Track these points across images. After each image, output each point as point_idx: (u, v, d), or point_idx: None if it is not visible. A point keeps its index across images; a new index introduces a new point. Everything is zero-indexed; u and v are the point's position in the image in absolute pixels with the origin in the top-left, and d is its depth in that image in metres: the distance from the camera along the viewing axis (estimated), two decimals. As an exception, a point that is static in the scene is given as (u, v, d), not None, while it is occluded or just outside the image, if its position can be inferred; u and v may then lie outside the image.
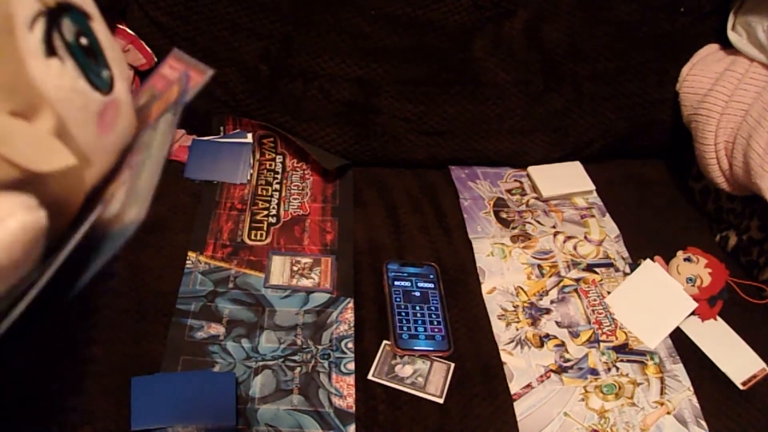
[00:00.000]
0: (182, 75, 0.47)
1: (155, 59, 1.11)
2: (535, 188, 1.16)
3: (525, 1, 1.10)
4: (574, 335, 0.93)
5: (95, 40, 0.42)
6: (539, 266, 1.02)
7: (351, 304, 0.93)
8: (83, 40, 0.41)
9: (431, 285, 0.97)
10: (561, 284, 1.00)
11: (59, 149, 0.38)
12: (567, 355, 0.90)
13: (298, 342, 0.88)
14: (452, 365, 0.87)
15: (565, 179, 1.17)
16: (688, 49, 1.16)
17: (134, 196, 0.40)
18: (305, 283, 0.96)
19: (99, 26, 0.43)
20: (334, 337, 0.89)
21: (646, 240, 1.07)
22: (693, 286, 0.97)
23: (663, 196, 1.19)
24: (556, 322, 0.94)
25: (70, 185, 0.40)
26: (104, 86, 0.42)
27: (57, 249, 0.38)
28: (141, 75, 1.12)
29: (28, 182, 0.36)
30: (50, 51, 0.38)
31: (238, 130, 1.17)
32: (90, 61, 0.41)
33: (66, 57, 0.39)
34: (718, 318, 0.97)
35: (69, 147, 0.38)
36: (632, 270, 1.01)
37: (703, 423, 0.84)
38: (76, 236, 0.38)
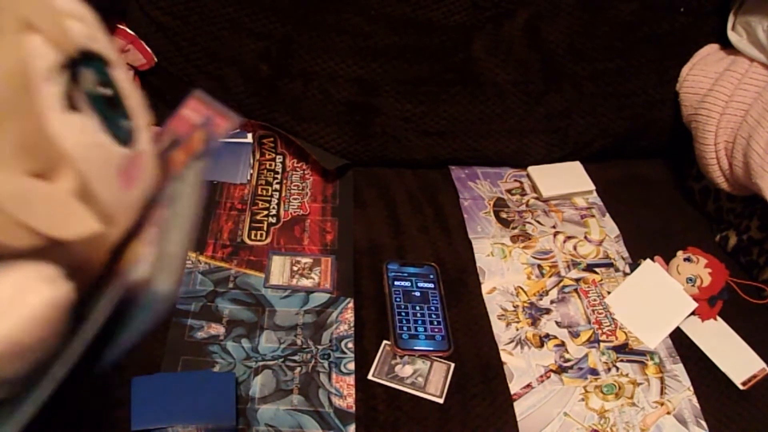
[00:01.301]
0: (206, 120, 0.44)
1: (155, 59, 1.11)
2: (535, 188, 1.16)
3: (525, 1, 1.10)
4: (574, 335, 0.93)
5: (116, 89, 0.40)
6: (539, 266, 1.02)
7: (351, 304, 0.93)
8: (104, 91, 0.38)
9: (431, 285, 0.97)
10: (561, 284, 1.00)
11: (82, 214, 0.35)
12: (567, 355, 0.90)
13: (298, 342, 0.88)
14: (452, 365, 0.87)
15: (565, 179, 1.17)
16: (688, 49, 1.16)
17: (164, 261, 0.38)
18: (305, 283, 0.96)
19: (119, 74, 0.41)
20: (334, 337, 0.89)
21: (646, 240, 1.07)
22: (693, 286, 0.97)
23: (663, 196, 1.19)
24: (556, 322, 0.94)
25: (94, 246, 0.38)
26: (126, 138, 0.39)
27: (82, 319, 0.36)
28: (141, 75, 1.12)
29: (49, 248, 0.34)
30: (70, 105, 0.35)
31: (238, 130, 1.17)
32: (111, 112, 0.39)
33: (86, 109, 0.37)
34: (718, 318, 0.97)
35: (92, 207, 0.36)
36: (632, 270, 1.01)
37: (703, 423, 0.84)
38: (104, 309, 0.36)
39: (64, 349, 0.34)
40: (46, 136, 0.34)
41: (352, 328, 0.90)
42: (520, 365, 0.89)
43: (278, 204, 1.08)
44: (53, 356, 0.35)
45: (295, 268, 0.98)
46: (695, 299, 0.96)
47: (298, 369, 0.85)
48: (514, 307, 0.96)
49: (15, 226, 0.33)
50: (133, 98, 0.41)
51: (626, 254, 1.05)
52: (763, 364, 0.91)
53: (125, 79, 0.41)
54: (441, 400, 0.84)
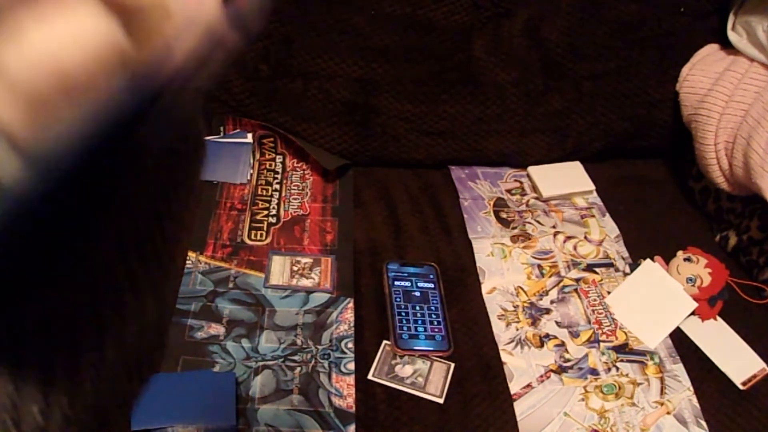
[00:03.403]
0: None
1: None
2: (535, 188, 1.16)
3: (525, 1, 1.10)
4: (574, 335, 0.93)
5: None
6: (539, 266, 1.02)
7: (351, 304, 0.93)
8: None
9: (431, 285, 0.97)
10: (561, 284, 1.00)
11: None
12: (567, 355, 0.90)
13: (298, 342, 0.88)
14: (452, 365, 0.87)
15: (565, 179, 1.17)
16: (688, 49, 1.16)
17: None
18: (305, 283, 0.96)
19: None
20: (334, 337, 0.89)
21: (646, 240, 1.07)
22: (693, 286, 0.97)
23: (663, 196, 1.19)
24: (556, 322, 0.94)
25: (144, 32, 0.32)
26: None
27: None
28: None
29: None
30: None
31: (238, 130, 1.17)
32: None
33: None
34: (718, 318, 0.97)
35: None
36: (632, 270, 1.01)
37: (703, 423, 0.84)
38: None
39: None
40: None
41: (352, 328, 0.90)
42: (520, 365, 0.89)
43: (278, 204, 1.08)
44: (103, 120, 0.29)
45: (295, 268, 0.98)
46: (695, 299, 0.96)
47: (298, 369, 0.85)
48: (514, 307, 0.96)
49: None
50: None
51: (626, 254, 1.05)
52: (763, 364, 0.91)
53: None
54: (441, 400, 0.84)
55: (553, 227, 1.09)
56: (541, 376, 0.87)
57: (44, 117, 0.28)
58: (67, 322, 0.34)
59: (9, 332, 0.31)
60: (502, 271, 1.01)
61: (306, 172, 1.15)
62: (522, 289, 0.99)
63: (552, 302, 0.97)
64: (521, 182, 1.17)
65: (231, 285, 0.95)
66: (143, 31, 0.32)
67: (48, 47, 0.27)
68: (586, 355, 0.90)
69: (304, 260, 0.99)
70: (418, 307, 0.93)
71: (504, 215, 1.10)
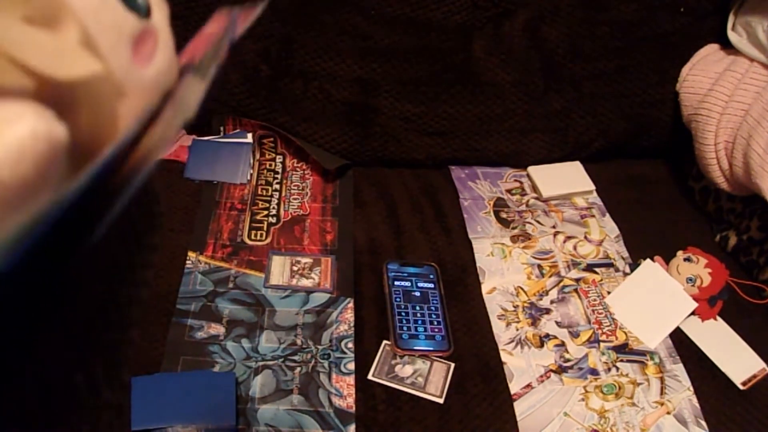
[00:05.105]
0: (231, 17, 0.42)
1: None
2: (535, 188, 1.16)
3: (525, 1, 1.10)
4: (574, 335, 0.93)
5: None
6: (539, 266, 1.02)
7: (351, 304, 0.93)
8: None
9: (431, 285, 0.97)
10: (561, 284, 1.00)
11: (83, 56, 0.31)
12: (567, 355, 0.90)
13: (298, 342, 0.88)
14: (452, 365, 0.87)
15: (565, 179, 1.17)
16: (688, 49, 1.16)
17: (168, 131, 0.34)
18: (305, 283, 0.96)
19: None
20: (334, 337, 0.89)
21: (646, 240, 1.07)
22: (693, 286, 0.97)
23: (663, 196, 1.19)
24: (556, 322, 0.94)
25: (101, 116, 0.34)
26: (140, 10, 0.36)
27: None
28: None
29: (48, 103, 0.30)
30: None
31: (238, 130, 1.17)
32: None
33: None
34: (718, 318, 0.97)
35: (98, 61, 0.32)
36: (632, 270, 1.01)
37: (703, 423, 0.84)
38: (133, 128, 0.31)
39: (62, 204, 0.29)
40: None
41: (352, 328, 0.90)
42: (520, 365, 0.89)
43: (278, 204, 1.08)
44: (45, 216, 0.28)
45: (295, 268, 0.98)
46: (695, 299, 0.96)
47: (298, 369, 0.85)
48: (514, 307, 0.96)
49: (6, 63, 0.29)
50: None
51: (626, 254, 1.05)
52: (763, 364, 0.91)
53: None
54: (441, 400, 0.84)
55: (553, 227, 1.09)
56: (541, 376, 0.87)
57: None
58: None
59: None
60: (502, 271, 1.01)
61: (306, 172, 1.15)
62: (522, 289, 0.99)
63: (552, 302, 0.97)
64: (521, 182, 1.17)
65: (231, 285, 0.95)
66: (90, 111, 0.32)
67: None
68: (586, 355, 0.90)
69: (304, 260, 0.99)
70: (418, 307, 0.93)
71: (504, 215, 1.10)
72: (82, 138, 0.32)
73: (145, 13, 0.36)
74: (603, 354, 0.91)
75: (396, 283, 0.96)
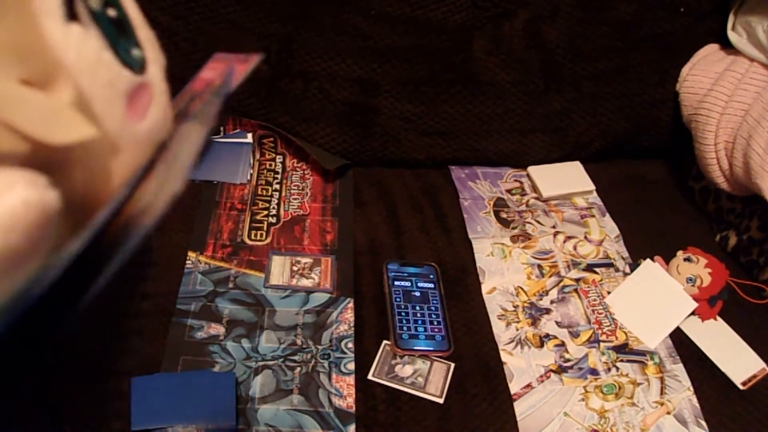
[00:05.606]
0: (227, 67, 0.42)
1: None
2: (535, 188, 1.16)
3: (525, 1, 1.10)
4: (574, 335, 0.93)
5: (125, 14, 0.36)
6: (539, 266, 1.02)
7: (351, 304, 0.93)
8: (111, 12, 0.35)
9: (431, 285, 0.97)
10: (561, 284, 1.00)
11: (77, 120, 0.31)
12: (567, 355, 0.90)
13: (298, 342, 0.88)
14: (452, 365, 0.87)
15: (565, 179, 1.17)
16: (688, 49, 1.16)
17: (163, 191, 0.34)
18: (305, 283, 0.96)
19: (129, 2, 0.37)
20: (334, 337, 0.89)
21: (646, 240, 1.07)
22: (693, 286, 0.97)
23: (663, 196, 1.19)
24: (556, 322, 0.94)
25: (95, 174, 0.34)
26: (135, 65, 0.36)
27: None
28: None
29: (42, 164, 0.30)
30: (71, 15, 0.32)
31: (238, 130, 1.17)
32: (119, 36, 0.35)
33: (90, 25, 0.33)
34: (718, 318, 0.97)
35: (92, 125, 0.33)
36: (632, 270, 1.01)
37: (703, 423, 0.84)
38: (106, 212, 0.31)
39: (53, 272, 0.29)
40: (41, 43, 0.31)
41: (352, 328, 0.90)
42: (520, 365, 0.89)
43: (278, 204, 1.08)
44: (39, 284, 0.29)
45: (295, 268, 0.98)
46: (695, 299, 0.96)
47: (298, 369, 0.85)
48: (514, 307, 0.96)
49: (1, 128, 0.29)
50: (144, 30, 0.38)
51: (626, 254, 1.05)
52: (763, 364, 0.91)
53: (136, 10, 0.37)
54: (441, 400, 0.84)
55: (553, 227, 1.09)
56: (541, 376, 0.87)
57: None
58: None
59: None
60: (502, 271, 1.01)
61: (306, 172, 1.15)
62: (522, 289, 0.99)
63: (552, 302, 0.97)
64: (521, 182, 1.17)
65: (231, 285, 0.95)
66: (84, 169, 0.32)
67: None
68: (586, 355, 0.90)
69: (304, 260, 0.99)
70: (418, 307, 0.93)
71: (504, 215, 1.10)
72: (76, 196, 0.32)
73: (140, 68, 0.37)
74: (603, 354, 0.91)
75: (396, 283, 0.96)
